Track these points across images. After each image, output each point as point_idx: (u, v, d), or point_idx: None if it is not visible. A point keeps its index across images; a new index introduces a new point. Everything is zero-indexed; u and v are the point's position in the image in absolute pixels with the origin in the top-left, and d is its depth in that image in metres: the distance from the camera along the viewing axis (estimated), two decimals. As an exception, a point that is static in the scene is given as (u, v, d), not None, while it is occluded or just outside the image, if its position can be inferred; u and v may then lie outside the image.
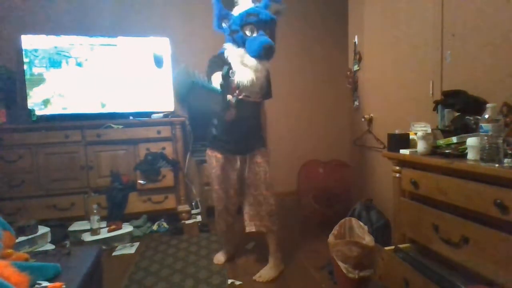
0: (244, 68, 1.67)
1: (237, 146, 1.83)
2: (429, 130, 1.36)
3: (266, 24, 1.66)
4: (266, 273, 1.81)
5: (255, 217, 1.83)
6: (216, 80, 1.59)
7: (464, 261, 1.08)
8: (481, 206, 1.00)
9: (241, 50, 1.67)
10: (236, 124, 1.73)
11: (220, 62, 1.72)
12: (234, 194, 1.89)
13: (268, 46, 1.61)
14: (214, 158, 1.86)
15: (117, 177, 2.59)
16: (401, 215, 1.45)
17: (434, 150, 1.31)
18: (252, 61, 1.65)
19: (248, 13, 1.64)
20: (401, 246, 1.45)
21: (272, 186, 1.87)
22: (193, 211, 2.94)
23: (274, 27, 1.74)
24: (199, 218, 2.83)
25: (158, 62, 1.64)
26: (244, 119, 1.76)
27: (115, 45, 2.82)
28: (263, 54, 1.62)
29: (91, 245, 2.12)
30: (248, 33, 1.65)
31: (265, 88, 1.82)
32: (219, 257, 2.03)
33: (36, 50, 2.65)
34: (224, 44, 1.76)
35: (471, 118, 1.27)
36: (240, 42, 1.67)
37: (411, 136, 1.46)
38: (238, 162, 1.84)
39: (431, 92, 1.68)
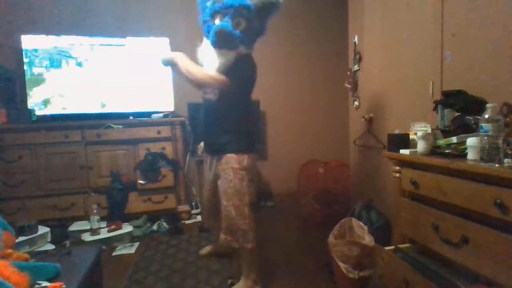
0: (206, 62, 1.59)
1: (207, 146, 1.79)
2: (429, 130, 1.36)
3: (234, 10, 1.50)
4: None
5: (226, 229, 1.66)
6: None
7: (464, 261, 1.08)
8: (481, 206, 1.00)
9: (206, 42, 1.59)
10: (203, 124, 1.71)
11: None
12: (210, 195, 1.81)
13: (217, 30, 1.46)
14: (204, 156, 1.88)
15: (117, 177, 2.59)
16: (401, 215, 1.44)
17: (434, 150, 1.31)
18: (210, 53, 1.55)
19: (214, 0, 1.54)
20: (401, 246, 1.45)
21: (238, 197, 1.62)
22: (193, 211, 2.94)
23: (250, 14, 1.53)
24: (199, 218, 2.83)
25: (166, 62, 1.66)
26: (207, 119, 1.72)
27: (115, 45, 2.82)
28: (214, 40, 1.50)
29: (91, 245, 2.12)
30: (217, 22, 1.53)
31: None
32: (206, 248, 2.08)
33: (36, 50, 2.65)
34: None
35: (471, 118, 1.27)
36: (207, 33, 1.57)
37: (411, 136, 1.46)
38: (213, 163, 1.73)
39: (431, 92, 1.68)
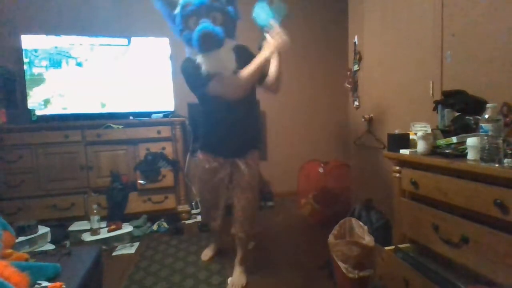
0: (215, 70, 1.51)
1: (229, 149, 1.72)
2: (429, 130, 1.36)
3: (207, 8, 1.43)
4: (237, 280, 1.73)
5: (236, 221, 1.75)
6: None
7: (464, 261, 1.08)
8: (481, 206, 1.00)
9: (194, 51, 1.49)
10: (227, 126, 1.63)
11: (193, 65, 1.53)
12: (223, 197, 1.81)
13: (202, 33, 1.38)
14: (206, 161, 1.76)
15: (117, 177, 2.59)
16: (401, 215, 1.45)
17: (434, 150, 1.31)
18: (200, 58, 1.48)
19: (183, 5, 1.45)
20: (401, 246, 1.45)
21: (257, 189, 1.77)
22: (193, 211, 2.94)
23: (224, 8, 1.49)
24: (199, 218, 2.83)
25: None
26: (235, 120, 1.65)
27: (115, 45, 2.82)
28: (201, 45, 1.42)
29: (91, 245, 2.12)
30: (193, 26, 1.44)
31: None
32: (207, 253, 2.06)
33: (36, 50, 2.65)
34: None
35: (471, 118, 1.27)
36: (189, 41, 1.47)
37: (411, 136, 1.46)
38: (230, 165, 1.74)
39: (431, 92, 1.68)
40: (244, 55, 1.62)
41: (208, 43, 1.42)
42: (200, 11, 1.43)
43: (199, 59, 1.50)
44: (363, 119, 2.33)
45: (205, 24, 1.41)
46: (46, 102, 2.69)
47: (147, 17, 3.06)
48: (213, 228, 1.93)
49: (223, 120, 1.68)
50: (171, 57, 2.93)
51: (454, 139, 1.24)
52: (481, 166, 1.00)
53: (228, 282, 1.73)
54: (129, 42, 2.84)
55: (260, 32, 1.63)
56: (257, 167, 1.77)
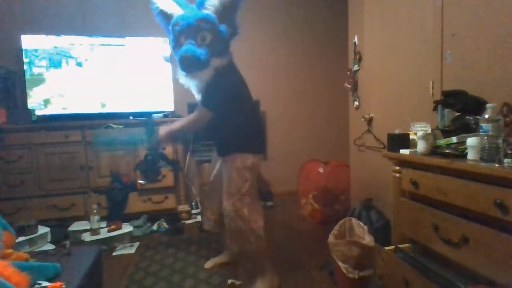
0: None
1: (217, 148, 1.77)
2: (429, 130, 1.36)
3: (195, 29, 1.44)
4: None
5: (228, 231, 1.67)
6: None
7: (464, 261, 1.08)
8: (481, 206, 1.00)
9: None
10: (213, 124, 1.63)
11: None
12: (209, 191, 1.83)
13: (182, 57, 1.43)
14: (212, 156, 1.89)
15: (117, 177, 2.59)
16: (401, 215, 1.45)
17: (434, 150, 1.31)
18: (183, 78, 1.55)
19: (173, 23, 1.48)
20: (401, 246, 1.45)
21: (238, 197, 1.60)
22: (193, 211, 2.94)
23: (212, 23, 1.46)
24: (199, 218, 2.83)
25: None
26: (212, 124, 1.64)
27: (115, 45, 2.82)
28: (183, 68, 1.47)
29: (91, 245, 2.12)
30: (184, 43, 1.48)
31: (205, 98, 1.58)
32: (210, 262, 1.97)
33: (36, 50, 2.65)
34: None
35: (471, 118, 1.27)
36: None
37: (411, 136, 1.46)
38: (219, 163, 1.76)
39: (431, 92, 1.68)
40: (215, 81, 1.53)
41: (187, 66, 1.46)
42: (188, 31, 1.45)
43: (181, 77, 1.57)
44: (363, 119, 2.33)
45: (187, 46, 1.43)
46: (46, 102, 2.69)
47: (147, 17, 3.05)
48: (205, 227, 1.92)
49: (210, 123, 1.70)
50: (170, 58, 2.92)
51: (454, 139, 1.24)
52: (481, 166, 1.00)
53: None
54: (128, 42, 2.84)
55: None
56: (238, 173, 1.60)
